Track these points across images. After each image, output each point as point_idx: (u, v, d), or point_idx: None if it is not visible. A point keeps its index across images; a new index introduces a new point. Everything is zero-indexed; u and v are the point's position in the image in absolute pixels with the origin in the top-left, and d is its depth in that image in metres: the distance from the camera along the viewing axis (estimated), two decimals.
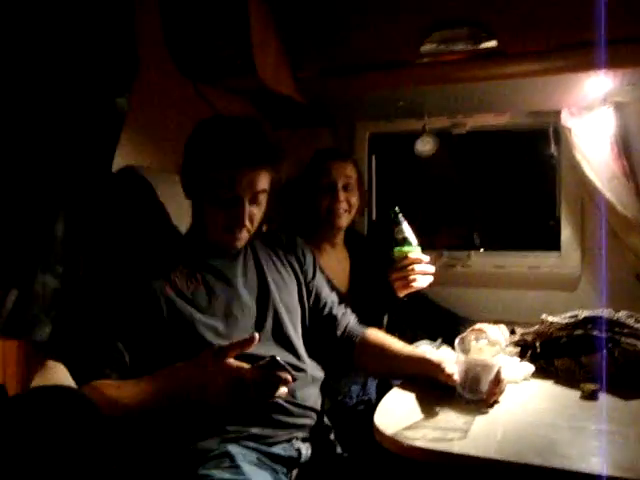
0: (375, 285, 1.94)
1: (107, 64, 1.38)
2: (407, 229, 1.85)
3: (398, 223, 1.85)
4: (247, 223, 1.43)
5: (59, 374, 1.25)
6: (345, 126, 2.54)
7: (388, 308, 2.00)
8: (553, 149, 2.23)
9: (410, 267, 1.82)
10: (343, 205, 2.04)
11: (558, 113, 2.13)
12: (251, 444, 1.33)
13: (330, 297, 1.67)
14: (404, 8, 1.77)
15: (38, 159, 1.22)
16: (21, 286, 1.13)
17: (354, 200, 2.08)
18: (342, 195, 2.04)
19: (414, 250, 1.83)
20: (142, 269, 1.40)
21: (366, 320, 1.70)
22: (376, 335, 1.62)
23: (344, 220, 2.06)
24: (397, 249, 1.84)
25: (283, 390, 1.22)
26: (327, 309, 1.64)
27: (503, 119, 2.33)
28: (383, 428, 1.22)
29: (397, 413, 1.30)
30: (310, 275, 1.66)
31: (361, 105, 2.25)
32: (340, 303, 1.69)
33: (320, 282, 1.68)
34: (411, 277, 1.81)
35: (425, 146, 2.32)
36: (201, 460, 1.28)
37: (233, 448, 1.30)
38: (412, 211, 2.01)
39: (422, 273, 1.83)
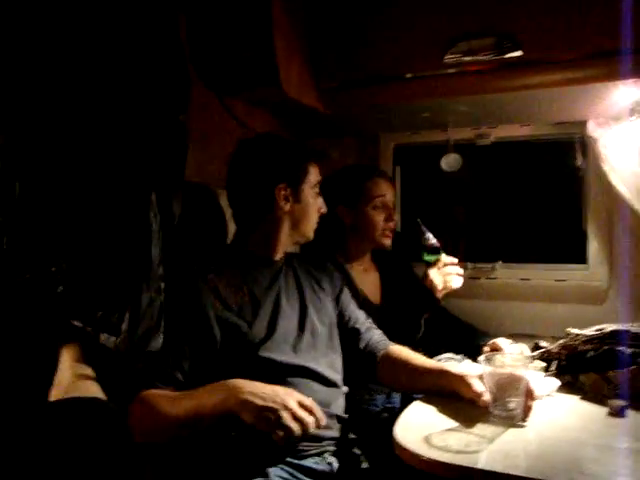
0: (409, 294, 1.98)
1: (165, 87, 1.47)
2: (432, 236, 1.96)
3: (424, 232, 1.95)
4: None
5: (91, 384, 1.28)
6: (370, 137, 2.54)
7: (427, 311, 1.98)
8: (579, 160, 2.20)
9: (445, 269, 1.93)
10: (393, 225, 2.07)
11: (584, 124, 2.09)
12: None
13: (355, 313, 1.71)
14: (427, 19, 1.77)
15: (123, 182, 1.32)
16: (131, 304, 1.24)
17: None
18: (396, 215, 2.11)
19: (442, 255, 1.95)
20: (193, 283, 1.44)
21: (402, 332, 1.72)
22: (399, 350, 1.63)
23: (390, 240, 2.08)
24: (427, 256, 1.95)
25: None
26: (351, 323, 1.68)
27: (528, 130, 2.31)
28: (403, 441, 1.20)
29: (418, 426, 1.28)
30: (337, 291, 1.71)
31: (385, 116, 2.24)
32: (367, 319, 1.72)
33: (346, 298, 1.72)
34: (448, 277, 1.92)
35: (450, 163, 2.31)
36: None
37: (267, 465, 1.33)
38: (436, 222, 2.06)
39: (456, 274, 1.94)
